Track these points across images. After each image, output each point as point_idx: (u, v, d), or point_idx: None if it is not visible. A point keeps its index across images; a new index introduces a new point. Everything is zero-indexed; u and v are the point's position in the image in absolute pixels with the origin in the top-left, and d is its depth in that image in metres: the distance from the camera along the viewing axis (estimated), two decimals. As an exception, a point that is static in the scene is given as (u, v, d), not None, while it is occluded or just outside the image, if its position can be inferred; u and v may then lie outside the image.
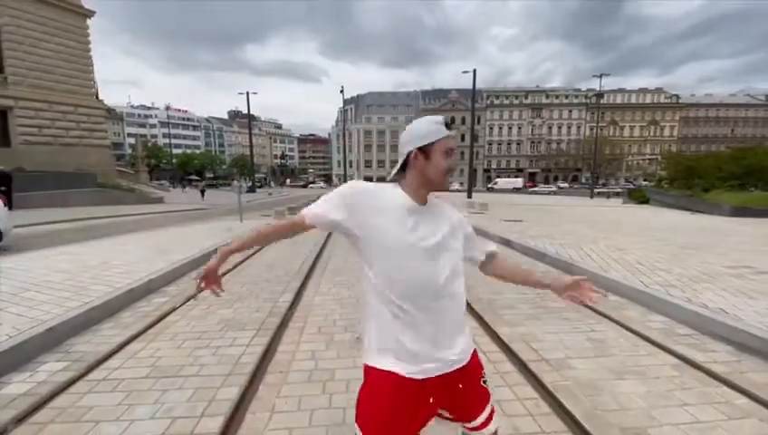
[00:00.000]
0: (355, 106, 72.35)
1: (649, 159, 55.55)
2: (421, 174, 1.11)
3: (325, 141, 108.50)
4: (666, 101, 68.95)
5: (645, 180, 44.86)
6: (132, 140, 59.85)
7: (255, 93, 37.92)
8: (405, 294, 1.05)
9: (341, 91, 43.74)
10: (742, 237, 7.70)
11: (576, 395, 2.34)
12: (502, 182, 54.08)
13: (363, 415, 1.05)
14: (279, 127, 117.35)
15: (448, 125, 1.13)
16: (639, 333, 3.27)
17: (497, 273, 1.34)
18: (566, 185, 57.40)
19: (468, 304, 3.97)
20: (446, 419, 1.17)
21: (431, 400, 1.07)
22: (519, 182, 53.94)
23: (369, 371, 1.08)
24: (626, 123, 68.26)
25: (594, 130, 36.43)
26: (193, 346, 3.06)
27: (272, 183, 68.93)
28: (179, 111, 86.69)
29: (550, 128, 69.42)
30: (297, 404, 2.26)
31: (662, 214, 13.93)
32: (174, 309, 3.93)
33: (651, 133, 68.15)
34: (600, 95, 36.93)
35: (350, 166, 68.74)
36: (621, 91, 69.11)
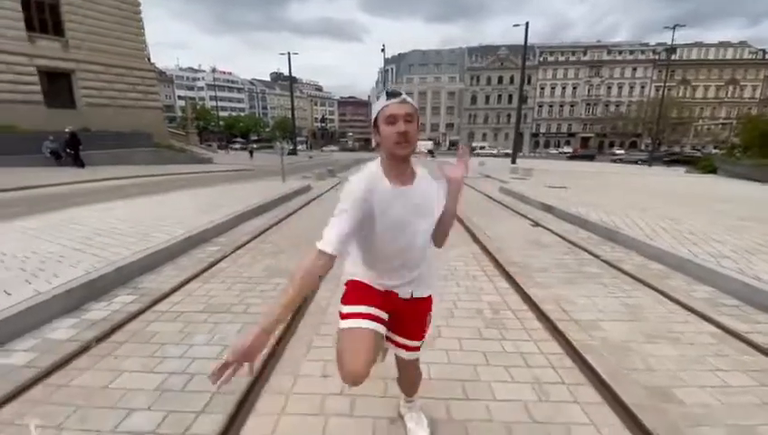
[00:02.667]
0: (396, 66, 69.90)
1: (723, 124, 49.62)
2: (381, 146, 1.19)
3: (365, 104, 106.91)
4: (750, 56, 60.18)
5: (715, 148, 40.35)
6: (182, 103, 62.47)
7: (296, 54, 37.88)
8: (383, 254, 1.29)
9: (383, 51, 42.27)
10: (820, 211, 6.90)
11: (602, 354, 2.36)
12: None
13: (344, 297, 1.37)
14: (319, 89, 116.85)
15: (390, 94, 1.16)
16: (679, 301, 3.16)
17: (434, 236, 1.40)
18: (622, 152, 52.99)
19: (501, 266, 4.00)
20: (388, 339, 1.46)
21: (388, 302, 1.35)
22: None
23: (350, 282, 1.40)
24: (700, 83, 60.60)
25: (661, 91, 32.69)
26: (241, 289, 3.38)
27: (312, 146, 69.81)
28: (224, 73, 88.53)
29: (609, 88, 63.36)
30: (332, 341, 2.48)
31: (728, 185, 12.70)
32: (224, 257, 4.30)
33: (729, 94, 60.30)
34: (670, 50, 32.98)
35: (390, 129, 67.65)
36: (697, 45, 60.83)
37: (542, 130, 65.95)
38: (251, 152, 31.19)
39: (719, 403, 1.95)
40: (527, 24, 22.54)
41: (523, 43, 23.43)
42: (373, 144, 1.23)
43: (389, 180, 1.20)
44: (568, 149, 55.53)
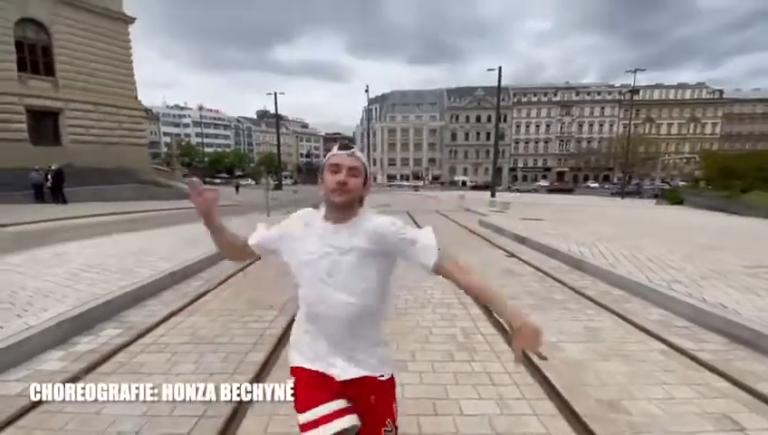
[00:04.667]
0: (380, 105, 72.83)
1: (687, 159, 52.87)
2: (323, 194, 1.17)
3: (351, 140, 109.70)
4: (708, 96, 65.32)
5: (682, 181, 42.76)
6: (168, 139, 62.79)
7: (283, 94, 39.04)
8: (307, 310, 1.21)
9: (366, 91, 44.28)
10: (769, 239, 7.49)
11: (560, 371, 2.59)
12: None
13: (295, 402, 1.21)
14: (305, 126, 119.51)
15: (342, 147, 1.18)
16: (635, 322, 3.44)
17: (457, 282, 1.14)
18: (596, 185, 55.40)
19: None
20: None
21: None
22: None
23: (294, 374, 1.25)
24: (663, 121, 65.24)
25: (627, 128, 35.09)
26: (225, 320, 3.51)
27: (297, 181, 70.51)
28: (211, 110, 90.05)
29: (580, 126, 67.41)
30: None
31: (693, 215, 13.50)
32: (208, 291, 4.41)
33: (691, 131, 64.78)
34: (634, 91, 35.63)
35: (374, 164, 69.36)
36: (659, 87, 66.01)
37: (520, 164, 68.81)
38: (236, 187, 31.54)
39: (663, 413, 2.18)
40: (500, 68, 24.33)
41: (498, 84, 25.13)
42: (319, 192, 1.19)
43: (325, 219, 1.20)
44: (545, 183, 57.75)
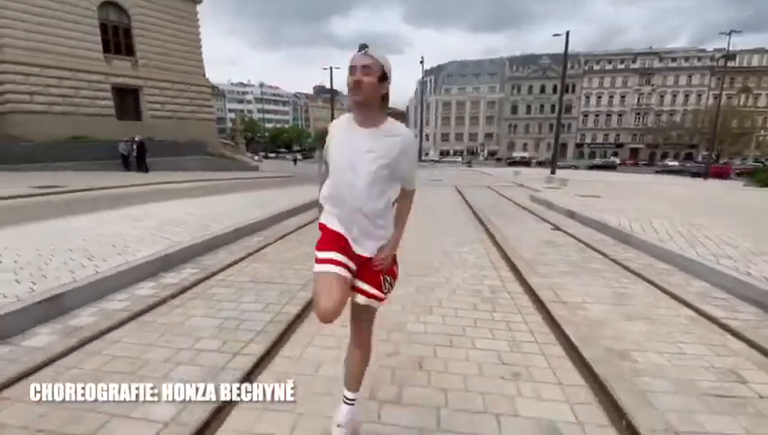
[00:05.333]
0: (435, 76, 70.65)
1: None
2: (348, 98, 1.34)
3: (403, 114, 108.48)
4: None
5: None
6: (232, 115, 66.92)
7: (338, 68, 39.44)
8: (332, 195, 1.43)
9: (421, 62, 43.31)
10: None
11: (577, 325, 2.75)
12: None
13: (318, 243, 1.46)
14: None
15: (360, 46, 1.30)
16: (669, 291, 3.42)
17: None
18: (675, 164, 49.81)
19: (509, 260, 4.41)
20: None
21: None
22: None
23: (322, 227, 1.49)
24: (762, 91, 56.04)
25: (718, 99, 30.85)
26: (281, 267, 4.06)
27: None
28: (271, 87, 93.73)
29: (661, 97, 60.13)
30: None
31: (782, 196, 11.96)
32: (267, 245, 5.04)
33: (800, 102, 55.18)
34: (728, 57, 31.05)
35: (427, 139, 68.31)
36: (759, 51, 56.36)
37: (588, 140, 63.62)
38: (294, 161, 33.53)
39: (669, 364, 2.29)
40: (567, 32, 22.38)
41: (567, 51, 23.27)
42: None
43: (354, 121, 1.37)
44: (616, 160, 53.32)
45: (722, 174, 30.02)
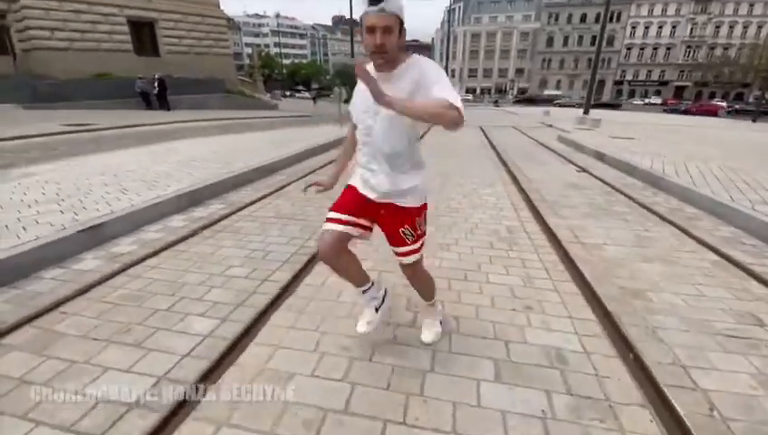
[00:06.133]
0: (464, 4, 64.63)
1: None
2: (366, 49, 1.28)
3: (428, 48, 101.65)
4: None
5: None
6: (249, 50, 64.39)
7: (359, -5, 36.54)
8: (358, 138, 1.52)
9: (449, -12, 39.32)
10: None
11: (594, 264, 2.77)
12: None
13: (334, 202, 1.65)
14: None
15: (371, 1, 1.18)
16: (695, 235, 3.35)
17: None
18: (724, 104, 45.35)
19: (531, 202, 4.35)
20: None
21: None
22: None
23: (345, 187, 1.67)
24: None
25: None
26: (302, 204, 4.17)
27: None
28: (287, 18, 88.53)
29: (717, 28, 53.07)
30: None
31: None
32: (290, 183, 5.13)
33: None
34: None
35: (452, 75, 64.36)
36: None
37: (628, 77, 58.35)
38: (314, 99, 32.80)
39: (685, 305, 2.31)
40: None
41: (610, -28, 20.53)
42: (362, 48, 1.32)
43: (372, 67, 1.33)
44: (656, 100, 49.17)
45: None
